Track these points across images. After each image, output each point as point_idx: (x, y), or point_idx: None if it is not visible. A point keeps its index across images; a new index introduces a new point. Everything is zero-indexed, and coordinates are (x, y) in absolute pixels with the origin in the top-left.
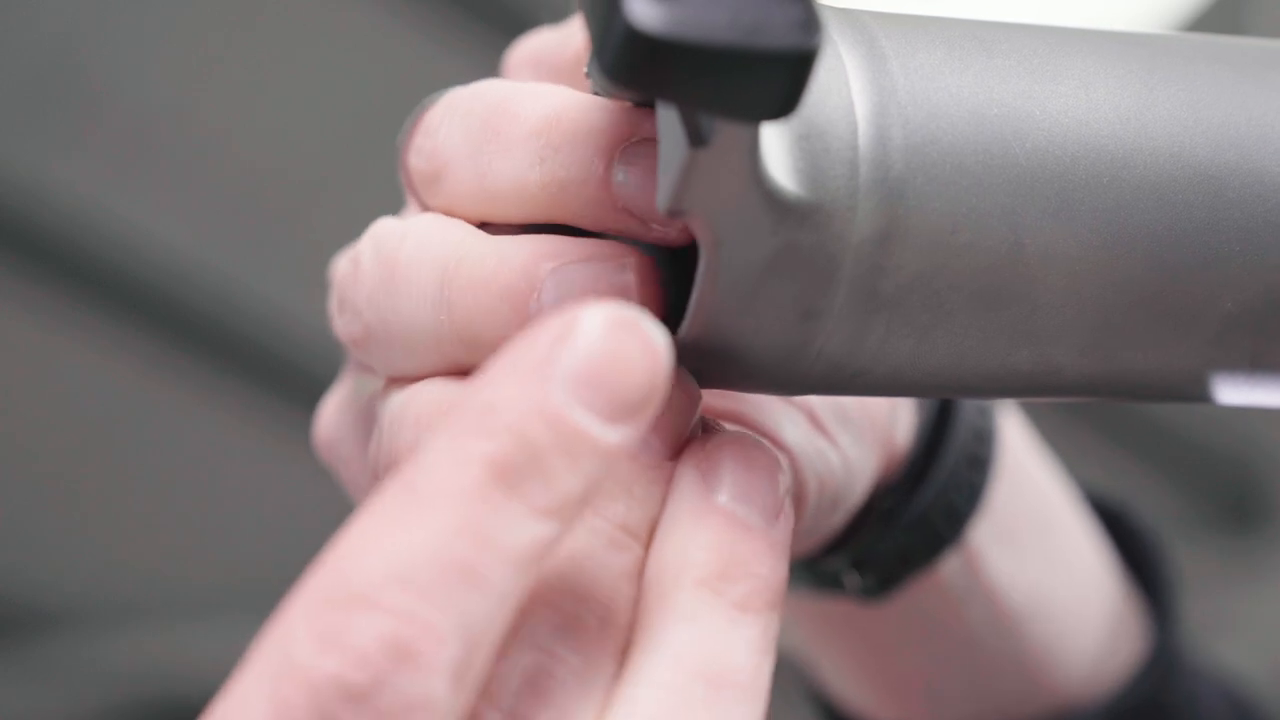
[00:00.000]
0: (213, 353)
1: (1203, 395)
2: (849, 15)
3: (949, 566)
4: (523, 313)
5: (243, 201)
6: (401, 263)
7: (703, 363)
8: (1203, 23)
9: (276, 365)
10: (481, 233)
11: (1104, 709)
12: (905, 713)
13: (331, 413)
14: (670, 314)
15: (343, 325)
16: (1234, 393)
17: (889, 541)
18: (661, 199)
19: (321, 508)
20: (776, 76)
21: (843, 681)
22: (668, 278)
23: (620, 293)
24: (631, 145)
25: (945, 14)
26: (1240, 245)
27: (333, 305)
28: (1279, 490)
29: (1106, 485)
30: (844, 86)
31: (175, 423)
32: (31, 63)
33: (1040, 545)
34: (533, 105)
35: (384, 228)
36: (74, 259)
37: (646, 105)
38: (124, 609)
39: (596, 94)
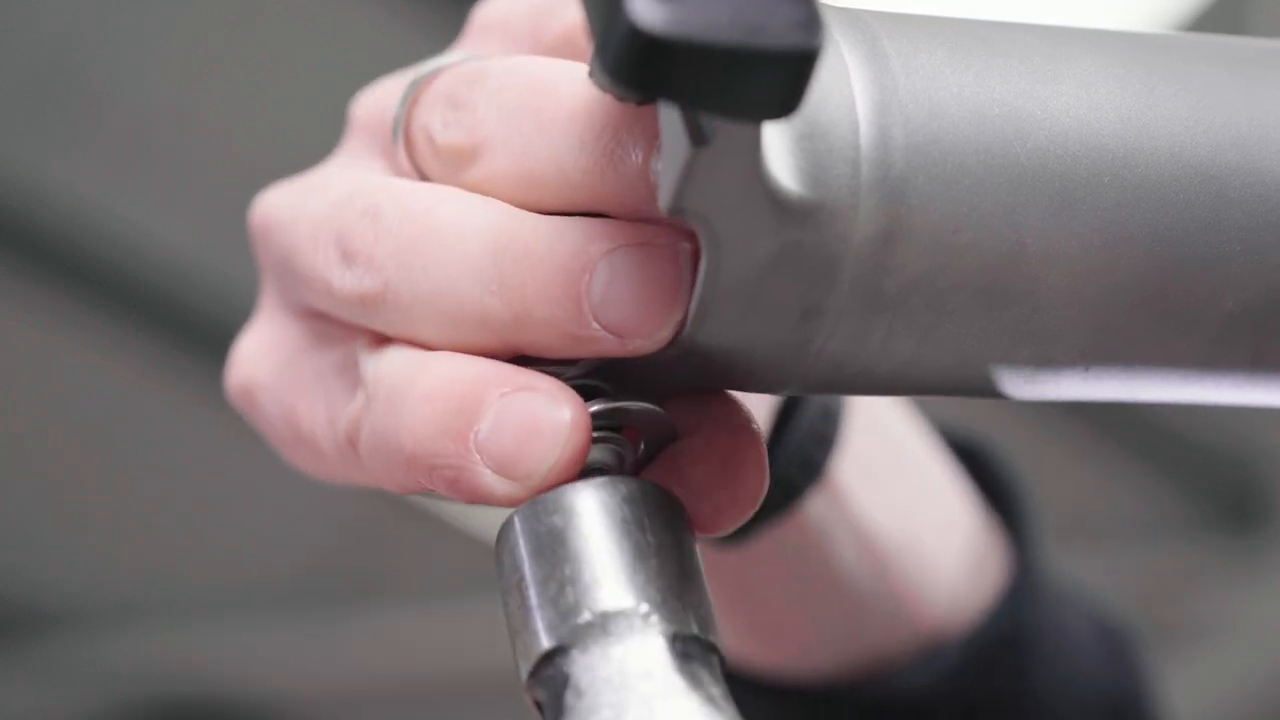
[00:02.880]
0: (212, 353)
1: (1203, 395)
2: (851, 15)
3: (814, 505)
4: (575, 294)
5: (243, 201)
6: (440, 229)
7: (703, 362)
8: (1203, 23)
9: None
10: (527, 212)
11: (967, 638)
12: (777, 657)
13: (258, 356)
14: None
15: (352, 279)
16: (1235, 392)
17: None
18: (663, 199)
19: (322, 507)
20: (779, 76)
21: None
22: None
23: (670, 281)
24: None
25: (947, 13)
26: (1241, 245)
27: (312, 246)
28: (1279, 490)
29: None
30: (846, 86)
31: (175, 423)
32: (31, 63)
33: (900, 480)
34: (573, 87)
35: (403, 187)
36: (74, 259)
37: (649, 104)
38: (124, 609)
39: None
